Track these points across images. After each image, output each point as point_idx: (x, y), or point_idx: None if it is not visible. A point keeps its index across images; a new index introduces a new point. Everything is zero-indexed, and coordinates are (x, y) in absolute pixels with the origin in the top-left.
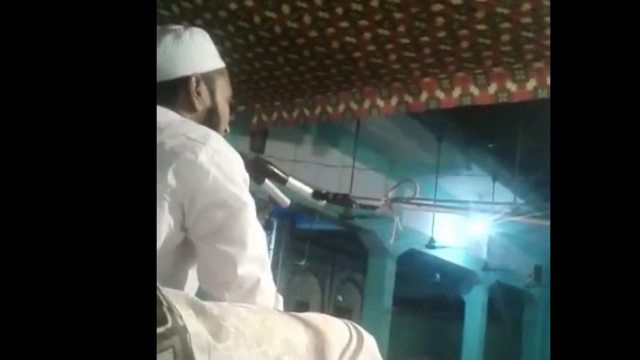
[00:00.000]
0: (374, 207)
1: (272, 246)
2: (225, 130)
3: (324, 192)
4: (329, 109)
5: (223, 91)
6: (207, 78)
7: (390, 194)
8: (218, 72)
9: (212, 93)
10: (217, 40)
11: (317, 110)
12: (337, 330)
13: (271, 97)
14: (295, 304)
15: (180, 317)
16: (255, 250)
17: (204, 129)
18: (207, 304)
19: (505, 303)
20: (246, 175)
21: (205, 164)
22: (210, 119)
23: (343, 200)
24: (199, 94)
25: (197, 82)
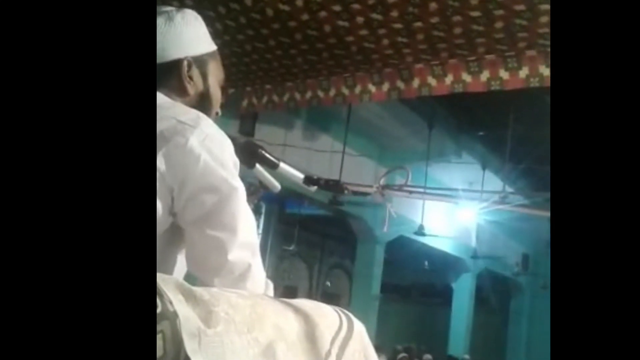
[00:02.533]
0: (365, 194)
1: (260, 231)
2: (217, 114)
3: (315, 177)
4: (320, 94)
5: (215, 75)
6: (199, 61)
7: (382, 181)
8: (210, 55)
9: (204, 77)
10: (208, 22)
11: (308, 95)
12: (327, 317)
13: (262, 80)
14: (283, 289)
15: (170, 302)
16: (245, 236)
17: (195, 112)
18: (197, 289)
19: (493, 291)
20: (236, 160)
21: (195, 148)
22: (202, 103)
23: (335, 186)
24: (190, 77)
25: (189, 66)
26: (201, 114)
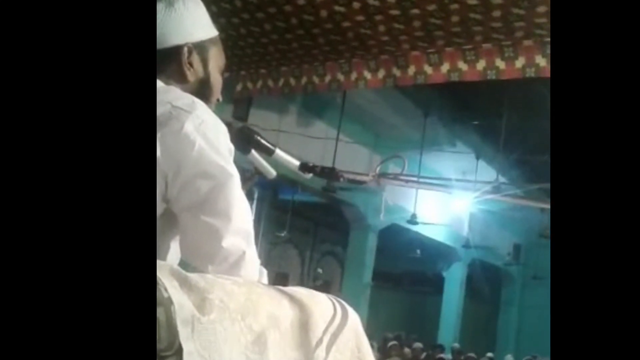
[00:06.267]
0: (361, 182)
1: (252, 216)
2: (218, 100)
3: (311, 164)
4: (315, 79)
5: (216, 61)
6: (200, 48)
7: (378, 169)
8: (211, 41)
9: (204, 63)
10: (203, 5)
11: (303, 80)
12: (321, 305)
13: (257, 64)
14: (275, 275)
15: (165, 288)
16: (240, 223)
17: (190, 97)
18: (192, 276)
19: (484, 280)
20: (231, 146)
21: (190, 134)
22: (201, 90)
23: (330, 173)
24: (190, 64)
25: (190, 52)
26: (196, 99)
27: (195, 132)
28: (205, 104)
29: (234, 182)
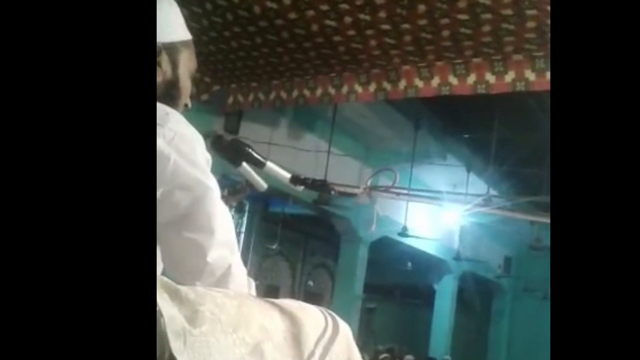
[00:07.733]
0: (352, 195)
1: (243, 229)
2: (186, 106)
3: (302, 177)
4: (307, 93)
5: (186, 65)
6: (170, 49)
7: (369, 182)
8: (183, 44)
9: (173, 65)
10: (194, 18)
11: (294, 93)
12: (312, 317)
13: (248, 77)
14: (266, 287)
15: None
16: (223, 235)
17: (162, 109)
18: (182, 289)
19: (475, 293)
20: (208, 156)
21: (164, 149)
22: (168, 92)
23: (321, 186)
24: (158, 64)
25: (158, 52)
26: (169, 110)
27: (168, 147)
28: (173, 107)
29: (213, 194)
